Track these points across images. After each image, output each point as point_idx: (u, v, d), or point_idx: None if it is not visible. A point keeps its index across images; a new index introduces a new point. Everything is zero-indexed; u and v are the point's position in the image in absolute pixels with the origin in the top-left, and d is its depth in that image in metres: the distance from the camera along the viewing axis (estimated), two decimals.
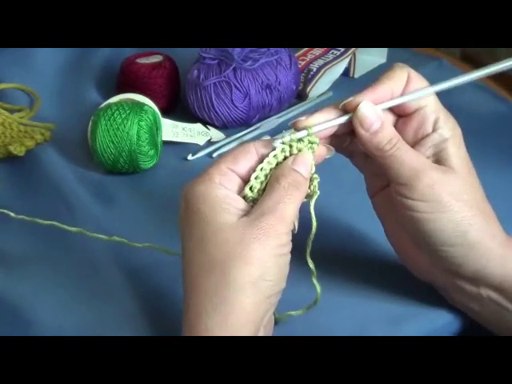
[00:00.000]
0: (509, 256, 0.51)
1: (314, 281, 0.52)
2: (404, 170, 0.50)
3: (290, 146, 0.50)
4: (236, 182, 0.49)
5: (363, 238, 0.64)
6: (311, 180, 0.50)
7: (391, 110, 0.52)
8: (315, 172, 0.51)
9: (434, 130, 0.52)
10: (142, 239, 0.61)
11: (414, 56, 0.93)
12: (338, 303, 0.57)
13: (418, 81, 0.51)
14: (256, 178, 0.49)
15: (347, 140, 0.54)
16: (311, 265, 0.51)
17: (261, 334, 0.47)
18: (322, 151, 0.51)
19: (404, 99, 0.51)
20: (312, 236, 0.51)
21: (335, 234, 0.64)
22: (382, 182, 0.55)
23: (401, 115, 0.53)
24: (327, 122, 0.51)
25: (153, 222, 0.67)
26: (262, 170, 0.49)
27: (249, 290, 0.45)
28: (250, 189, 0.49)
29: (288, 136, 0.50)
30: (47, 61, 0.92)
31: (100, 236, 0.61)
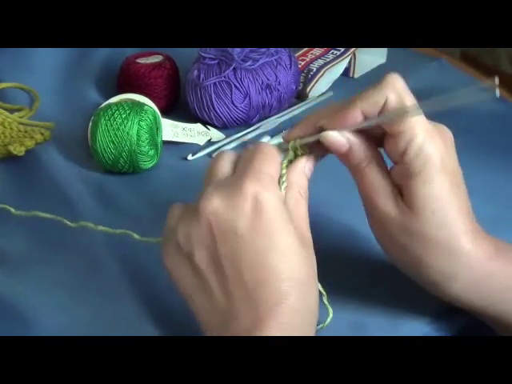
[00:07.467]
0: (479, 287, 0.50)
1: (326, 303, 0.54)
2: (366, 198, 0.52)
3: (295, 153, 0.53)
4: None
5: (362, 238, 0.63)
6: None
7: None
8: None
9: (400, 162, 0.49)
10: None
11: (414, 56, 0.93)
12: (337, 303, 0.57)
13: (397, 100, 0.48)
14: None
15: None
16: (320, 288, 0.52)
17: None
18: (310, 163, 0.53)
19: (369, 123, 0.49)
20: None
21: (333, 234, 0.64)
22: None
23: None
24: (305, 138, 0.52)
25: (153, 221, 0.67)
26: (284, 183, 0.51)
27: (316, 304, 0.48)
28: None
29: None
30: (47, 61, 0.92)
31: (105, 228, 0.61)
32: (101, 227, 0.60)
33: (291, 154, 0.52)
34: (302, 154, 0.52)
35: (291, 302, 0.46)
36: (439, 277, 0.50)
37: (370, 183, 0.51)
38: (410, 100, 0.48)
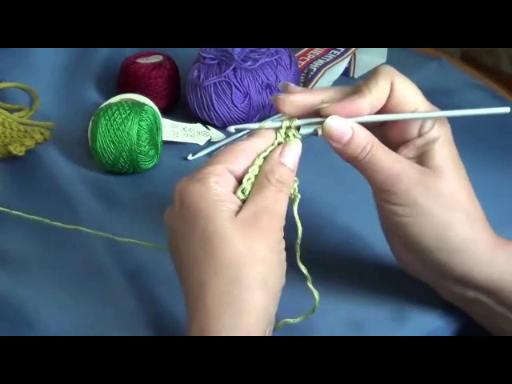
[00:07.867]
0: (495, 260, 0.51)
1: (310, 286, 0.51)
2: (381, 175, 0.50)
3: (286, 136, 0.51)
4: (231, 182, 0.49)
5: (361, 238, 0.64)
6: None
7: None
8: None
9: (420, 135, 0.51)
10: (141, 239, 0.61)
11: (414, 56, 0.93)
12: (336, 303, 0.57)
13: (403, 88, 0.50)
14: (248, 180, 0.50)
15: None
16: (304, 270, 0.51)
17: (268, 331, 0.48)
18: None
19: (380, 118, 0.51)
20: (299, 241, 0.51)
21: (333, 234, 0.64)
22: None
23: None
24: (304, 120, 0.51)
25: (153, 221, 0.67)
26: (253, 171, 0.50)
27: (259, 288, 0.46)
28: (242, 191, 0.49)
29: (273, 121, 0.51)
30: (47, 61, 0.92)
31: (99, 233, 0.61)
32: (100, 233, 0.60)
33: (282, 134, 0.51)
34: (295, 137, 0.51)
35: (214, 284, 0.46)
36: (461, 244, 0.50)
37: (382, 161, 0.50)
38: (410, 83, 0.51)
